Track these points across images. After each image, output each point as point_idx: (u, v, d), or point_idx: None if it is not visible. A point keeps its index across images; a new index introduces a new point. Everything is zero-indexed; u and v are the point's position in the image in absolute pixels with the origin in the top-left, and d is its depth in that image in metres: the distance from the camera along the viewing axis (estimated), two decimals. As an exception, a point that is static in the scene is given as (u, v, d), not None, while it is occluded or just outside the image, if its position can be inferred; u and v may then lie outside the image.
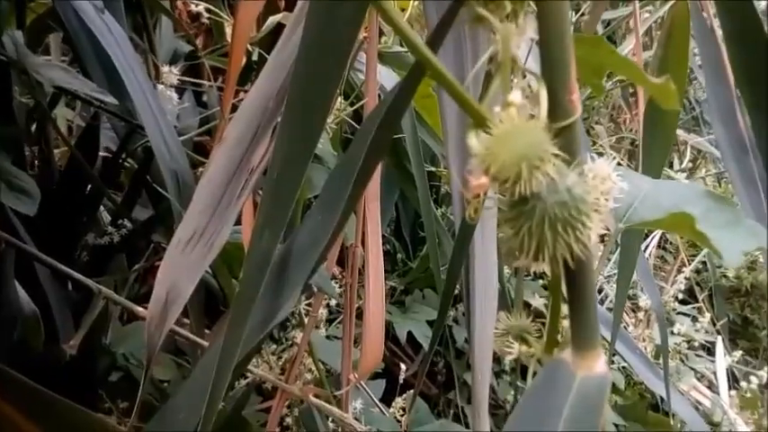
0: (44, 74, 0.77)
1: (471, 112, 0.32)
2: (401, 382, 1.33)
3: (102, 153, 1.07)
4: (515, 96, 0.33)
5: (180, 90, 1.40)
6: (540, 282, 1.72)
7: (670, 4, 0.89)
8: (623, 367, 1.56)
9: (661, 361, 1.50)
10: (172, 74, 0.93)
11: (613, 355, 1.54)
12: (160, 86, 0.93)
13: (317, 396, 0.80)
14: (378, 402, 0.83)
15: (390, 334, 1.43)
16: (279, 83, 0.52)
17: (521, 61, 0.35)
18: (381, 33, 0.82)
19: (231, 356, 0.47)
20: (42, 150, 0.92)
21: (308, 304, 0.79)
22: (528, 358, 0.46)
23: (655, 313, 1.50)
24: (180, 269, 0.53)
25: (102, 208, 1.08)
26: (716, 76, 0.90)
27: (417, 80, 0.37)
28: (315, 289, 0.89)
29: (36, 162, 0.99)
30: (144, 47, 1.42)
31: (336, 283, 0.95)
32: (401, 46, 0.93)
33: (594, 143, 1.96)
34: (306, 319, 0.87)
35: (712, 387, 1.72)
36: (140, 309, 0.71)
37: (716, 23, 0.87)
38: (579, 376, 0.38)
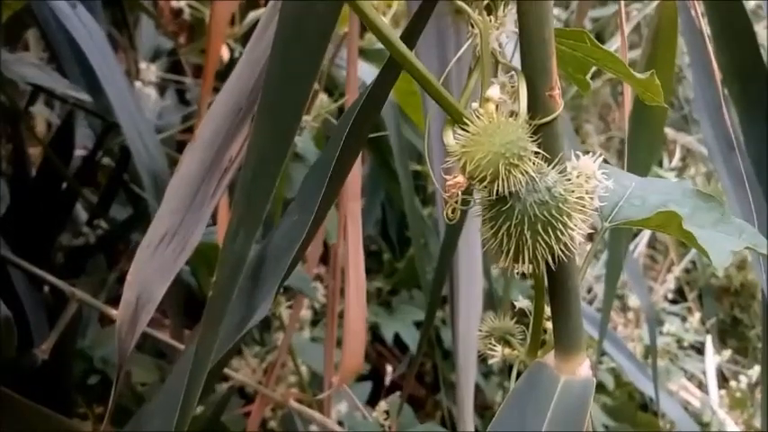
0: (16, 71, 0.74)
1: (448, 108, 0.31)
2: (387, 384, 1.32)
3: (80, 151, 1.04)
4: (493, 92, 0.31)
5: (162, 87, 1.38)
6: (530, 282, 1.71)
7: (658, 1, 0.88)
8: (612, 368, 1.55)
9: (650, 361, 1.50)
10: (150, 71, 0.91)
11: (602, 355, 1.53)
12: (138, 84, 0.91)
13: (299, 400, 0.78)
14: (361, 406, 0.82)
15: (377, 335, 1.41)
16: (252, 80, 0.50)
17: (501, 55, 0.34)
18: (364, 29, 0.80)
19: (204, 361, 0.45)
20: (16, 149, 0.89)
21: (290, 306, 0.77)
22: (514, 360, 0.45)
23: (644, 313, 1.50)
24: (151, 271, 0.51)
25: (80, 207, 1.06)
26: (703, 74, 0.89)
27: (393, 75, 0.36)
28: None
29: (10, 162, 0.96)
30: (124, 44, 1.40)
31: (320, 283, 0.93)
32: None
33: (584, 142, 1.95)
34: (296, 321, 0.85)
35: (702, 387, 1.72)
36: (115, 312, 0.69)
37: (704, 22, 0.86)
38: (563, 380, 0.37)
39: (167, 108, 1.27)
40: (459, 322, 0.72)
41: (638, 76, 0.36)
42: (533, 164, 0.30)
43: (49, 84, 0.78)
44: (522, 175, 0.29)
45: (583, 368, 0.37)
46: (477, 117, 0.30)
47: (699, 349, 1.78)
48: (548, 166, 0.32)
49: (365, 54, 0.90)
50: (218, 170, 0.51)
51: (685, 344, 1.71)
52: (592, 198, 0.42)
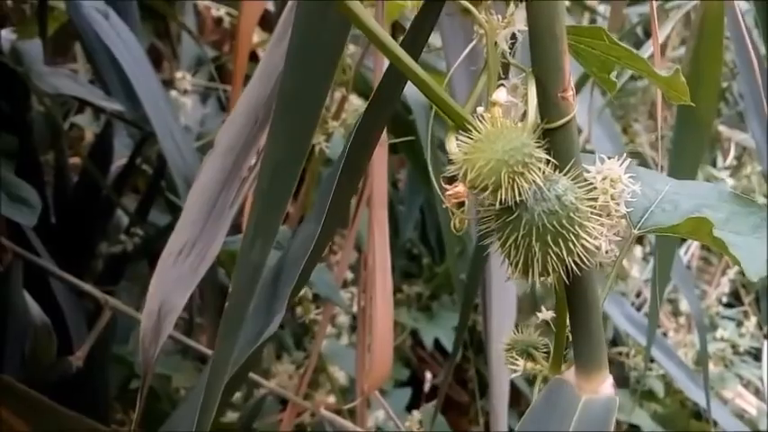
0: (50, 82, 0.76)
1: (449, 113, 0.29)
2: (427, 390, 1.30)
3: (122, 160, 1.06)
4: (500, 95, 0.30)
5: (205, 95, 1.40)
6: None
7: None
8: (663, 375, 1.49)
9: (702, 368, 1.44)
10: (185, 80, 0.92)
11: (651, 361, 1.48)
12: (174, 93, 0.92)
13: (331, 408, 0.77)
14: (393, 415, 0.80)
15: (418, 340, 1.40)
16: (269, 88, 0.49)
17: (512, 55, 0.32)
18: (393, 31, 0.79)
19: (222, 370, 0.45)
20: (57, 160, 0.91)
21: (318, 313, 0.76)
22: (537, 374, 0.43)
23: (695, 319, 1.44)
24: (172, 281, 0.51)
25: (122, 215, 1.07)
26: (751, 72, 0.85)
27: (397, 80, 0.34)
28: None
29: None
30: (168, 54, 1.42)
31: (355, 289, 0.92)
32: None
33: (632, 141, 1.89)
34: (326, 328, 0.85)
35: (759, 394, 1.65)
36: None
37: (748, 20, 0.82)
38: (584, 399, 0.35)
39: (208, 115, 1.28)
40: (492, 328, 0.70)
41: (662, 73, 0.34)
42: (541, 171, 0.28)
43: (83, 95, 0.79)
44: (528, 183, 0.27)
45: (605, 386, 0.35)
46: (482, 122, 0.29)
47: (756, 355, 1.71)
48: (559, 172, 0.30)
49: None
50: (237, 179, 0.51)
51: (741, 349, 1.64)
52: (618, 203, 0.40)
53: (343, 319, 1.13)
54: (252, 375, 0.81)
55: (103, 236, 0.96)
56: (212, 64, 1.37)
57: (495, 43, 0.31)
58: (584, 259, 0.30)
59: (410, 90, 0.42)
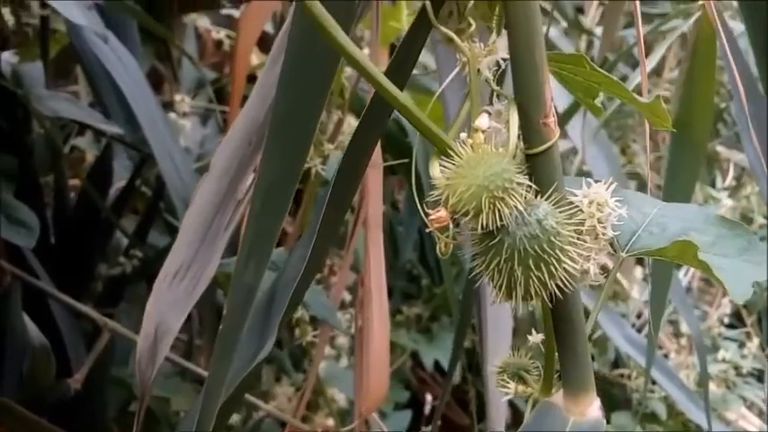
0: (49, 106, 0.77)
1: (432, 139, 0.30)
2: (427, 412, 1.30)
3: (122, 182, 1.07)
4: (482, 121, 0.30)
5: (205, 117, 1.41)
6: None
7: (693, 18, 0.85)
8: (665, 396, 1.49)
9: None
10: (184, 102, 0.93)
11: (653, 383, 1.48)
12: (172, 115, 0.93)
13: (327, 431, 0.77)
14: (390, 437, 0.80)
15: (419, 362, 1.40)
16: (263, 112, 0.50)
17: (492, 83, 0.33)
18: (391, 53, 0.80)
19: (216, 393, 0.45)
20: (57, 181, 0.92)
21: (315, 336, 0.77)
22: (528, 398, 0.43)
23: (694, 340, 1.44)
24: (168, 303, 0.52)
25: (122, 236, 1.08)
26: (746, 93, 0.86)
27: (384, 107, 0.35)
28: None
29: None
30: (169, 76, 1.43)
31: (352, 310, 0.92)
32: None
33: (630, 162, 1.90)
34: (323, 350, 0.85)
35: (762, 415, 1.64)
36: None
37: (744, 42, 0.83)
38: (571, 420, 0.35)
39: (208, 137, 1.29)
40: (487, 349, 0.70)
41: (642, 100, 0.35)
42: (522, 196, 0.29)
43: (82, 118, 0.80)
44: (509, 208, 0.28)
45: (592, 409, 0.35)
46: (464, 148, 0.29)
47: (759, 376, 1.70)
48: (541, 197, 0.30)
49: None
50: (232, 201, 0.52)
51: (743, 371, 1.63)
52: (605, 227, 0.40)
53: (342, 341, 1.13)
54: (250, 398, 0.81)
55: (103, 257, 0.97)
56: (213, 86, 1.39)
57: (479, 71, 0.32)
58: (567, 283, 0.30)
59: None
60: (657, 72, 1.98)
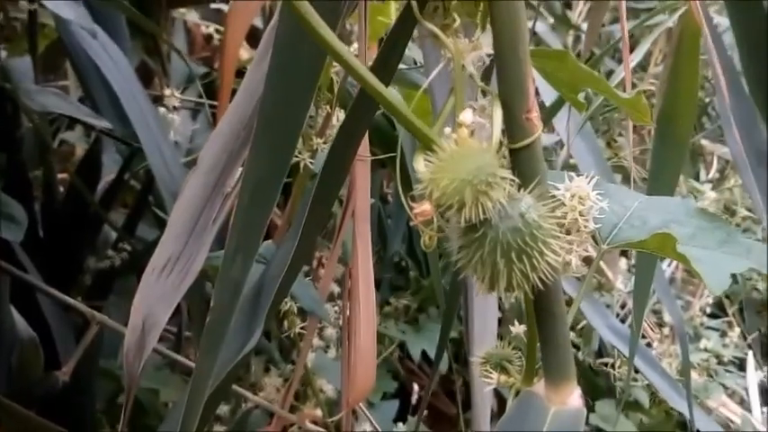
0: (37, 100, 0.77)
1: (416, 134, 0.30)
2: (414, 402, 1.31)
3: (112, 176, 1.07)
4: (466, 116, 0.31)
5: (196, 111, 1.41)
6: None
7: (679, 13, 0.86)
8: (648, 384, 1.51)
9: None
10: (173, 97, 0.93)
11: (636, 372, 1.50)
12: (162, 109, 0.93)
13: (315, 422, 0.78)
14: (378, 428, 0.81)
15: (407, 353, 1.41)
16: (252, 105, 0.51)
17: (477, 78, 0.33)
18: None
19: (203, 385, 0.46)
20: (45, 176, 0.92)
21: (303, 327, 0.77)
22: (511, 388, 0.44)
23: (676, 329, 1.46)
24: (156, 296, 0.52)
25: (112, 229, 1.08)
26: (729, 86, 0.87)
27: (369, 101, 0.36)
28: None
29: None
30: (159, 71, 1.43)
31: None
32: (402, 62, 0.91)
33: (617, 155, 1.91)
34: (311, 341, 0.85)
35: (744, 404, 1.66)
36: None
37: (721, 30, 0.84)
38: (552, 410, 0.36)
39: (198, 131, 1.29)
40: (473, 340, 0.71)
41: (623, 95, 0.36)
42: (505, 190, 0.29)
43: (70, 112, 0.80)
44: (492, 201, 0.29)
45: (573, 398, 0.36)
46: (449, 142, 0.30)
47: (741, 365, 1.73)
48: (524, 191, 0.31)
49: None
50: (220, 195, 0.52)
51: (725, 359, 1.66)
52: (587, 220, 0.41)
53: (331, 332, 1.14)
54: (238, 389, 0.82)
55: (92, 251, 0.97)
56: (203, 81, 1.38)
57: (463, 66, 0.32)
58: (549, 275, 0.31)
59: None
60: (643, 67, 1.99)
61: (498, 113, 0.31)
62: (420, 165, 0.30)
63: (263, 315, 0.43)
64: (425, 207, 0.29)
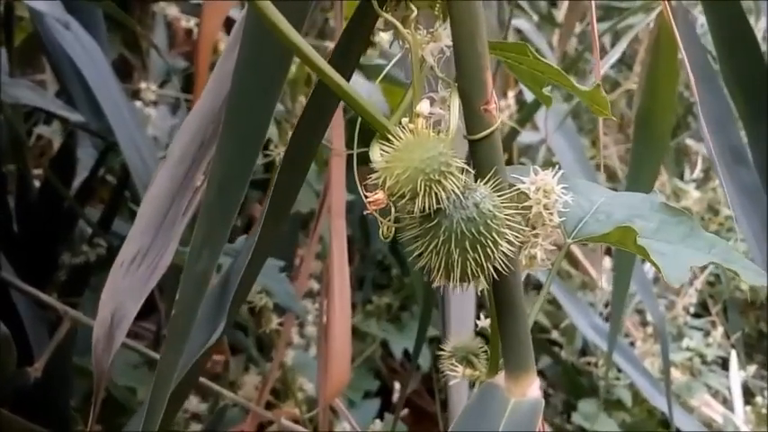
0: (9, 92, 0.76)
1: (372, 123, 0.30)
2: (395, 400, 1.31)
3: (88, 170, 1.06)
4: (423, 106, 0.31)
5: (176, 106, 1.40)
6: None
7: (656, 12, 0.87)
8: (631, 383, 1.51)
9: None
10: (149, 91, 0.92)
11: (619, 371, 1.50)
12: (138, 103, 0.92)
13: (292, 419, 0.78)
14: (355, 425, 0.81)
15: (389, 351, 1.40)
16: (221, 98, 0.50)
17: (437, 70, 0.33)
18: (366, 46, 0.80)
19: (168, 378, 0.45)
20: (19, 170, 0.91)
21: (281, 324, 0.77)
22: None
23: (656, 327, 1.46)
24: (124, 290, 0.52)
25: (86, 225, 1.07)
26: (705, 85, 0.87)
27: (329, 94, 0.35)
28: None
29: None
30: (138, 65, 1.42)
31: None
32: (382, 58, 0.91)
33: (603, 155, 1.92)
34: (287, 339, 0.85)
35: (727, 403, 1.67)
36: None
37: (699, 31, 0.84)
38: (512, 402, 0.36)
39: (177, 126, 1.28)
40: (450, 335, 0.71)
41: (582, 88, 0.36)
42: (458, 179, 0.29)
43: (43, 105, 0.79)
44: (445, 191, 0.29)
45: (532, 389, 0.36)
46: (405, 132, 0.30)
47: (724, 364, 1.73)
48: (477, 182, 0.31)
49: (364, 69, 0.90)
50: (189, 188, 0.52)
51: (709, 359, 1.66)
52: (551, 213, 0.41)
53: (312, 330, 1.14)
54: (214, 386, 0.82)
55: (67, 246, 0.96)
56: (183, 75, 1.38)
57: (423, 57, 0.32)
58: (506, 265, 0.31)
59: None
60: (629, 65, 2.00)
61: (455, 103, 0.31)
62: (376, 154, 0.30)
63: (226, 309, 0.43)
64: (378, 196, 0.28)
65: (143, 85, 0.97)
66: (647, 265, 1.75)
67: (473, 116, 0.32)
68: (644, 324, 1.73)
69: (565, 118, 0.97)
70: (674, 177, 1.97)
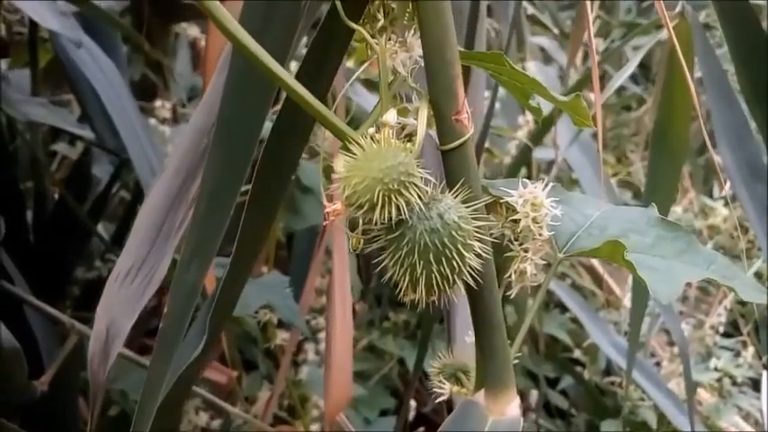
0: (20, 110, 0.77)
1: (334, 132, 0.30)
2: (411, 419, 1.29)
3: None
4: (390, 116, 0.30)
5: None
6: (568, 315, 1.66)
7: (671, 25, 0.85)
8: (656, 405, 1.47)
9: (695, 398, 1.42)
10: (164, 109, 0.94)
11: (643, 391, 1.46)
12: (152, 120, 0.94)
13: (297, 435, 0.77)
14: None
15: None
16: (216, 112, 0.50)
17: (410, 80, 0.33)
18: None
19: (156, 390, 0.45)
20: (36, 187, 0.93)
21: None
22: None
23: (678, 347, 1.43)
24: (119, 304, 0.52)
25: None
26: (721, 98, 0.86)
27: (294, 108, 0.35)
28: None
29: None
30: (158, 84, 1.45)
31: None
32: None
33: (627, 172, 1.89)
34: (291, 354, 0.85)
35: (758, 425, 1.62)
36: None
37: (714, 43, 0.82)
38: (490, 420, 0.35)
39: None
40: (455, 350, 0.70)
41: (562, 99, 0.35)
42: (421, 190, 0.28)
43: (55, 122, 0.80)
44: (407, 202, 0.28)
45: (511, 407, 0.35)
46: (369, 141, 0.29)
47: (756, 385, 1.68)
48: (444, 193, 0.30)
49: (371, 85, 0.90)
50: (184, 202, 0.52)
51: (739, 379, 1.61)
52: (541, 227, 0.40)
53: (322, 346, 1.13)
54: (220, 403, 0.81)
55: (81, 261, 0.97)
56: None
57: (394, 68, 0.32)
58: (476, 279, 0.30)
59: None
60: (652, 79, 1.97)
61: (424, 113, 0.30)
62: (339, 164, 0.29)
63: (206, 321, 0.43)
64: (337, 206, 0.28)
65: (158, 102, 0.98)
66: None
67: (444, 126, 0.31)
68: (671, 344, 1.69)
69: (578, 134, 0.96)
70: (703, 195, 1.93)
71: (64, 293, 0.94)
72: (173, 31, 1.41)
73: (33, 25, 1.03)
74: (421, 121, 0.30)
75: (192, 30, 1.35)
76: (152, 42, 1.22)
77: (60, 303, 0.89)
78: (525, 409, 1.54)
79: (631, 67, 0.88)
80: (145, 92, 1.35)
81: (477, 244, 0.30)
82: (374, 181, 0.27)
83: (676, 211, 1.65)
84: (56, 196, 1.03)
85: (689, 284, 1.84)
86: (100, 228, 1.07)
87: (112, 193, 1.02)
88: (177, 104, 1.19)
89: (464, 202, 0.31)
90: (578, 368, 1.59)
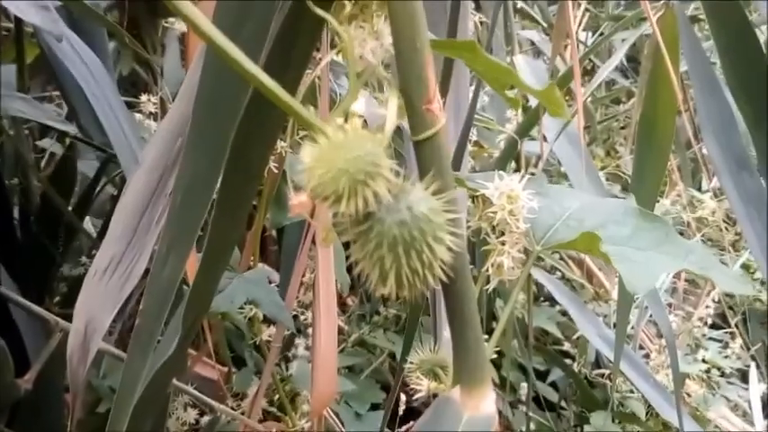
0: (4, 105, 0.77)
1: (300, 121, 0.29)
2: (401, 413, 1.29)
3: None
4: (358, 106, 0.30)
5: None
6: (558, 308, 1.66)
7: (654, 18, 0.85)
8: (644, 396, 1.48)
9: (684, 389, 1.42)
10: (149, 103, 0.93)
11: (632, 383, 1.46)
12: (138, 115, 0.93)
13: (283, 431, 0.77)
14: (346, 436, 0.79)
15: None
16: (192, 104, 0.50)
17: (381, 69, 0.32)
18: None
19: (131, 387, 0.45)
20: (21, 183, 0.92)
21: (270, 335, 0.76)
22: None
23: (665, 339, 1.43)
24: (98, 299, 0.51)
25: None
26: (707, 89, 0.85)
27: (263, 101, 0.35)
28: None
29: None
30: (147, 79, 1.44)
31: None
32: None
33: (617, 164, 1.89)
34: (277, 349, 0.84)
35: (747, 416, 1.63)
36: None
37: (701, 36, 0.82)
38: (466, 417, 0.34)
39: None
40: (441, 343, 0.70)
41: (536, 88, 0.34)
42: (389, 181, 0.28)
43: (35, 116, 0.80)
44: (373, 193, 0.28)
45: (486, 403, 0.34)
46: (336, 132, 0.29)
47: (744, 377, 1.69)
48: (413, 185, 0.30)
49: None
50: (162, 195, 0.51)
51: (728, 371, 1.62)
52: (517, 219, 0.40)
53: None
54: (205, 398, 0.81)
55: (68, 257, 0.97)
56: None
57: (361, 55, 0.31)
58: (447, 273, 0.30)
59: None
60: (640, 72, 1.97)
61: (393, 102, 0.30)
62: (306, 154, 0.29)
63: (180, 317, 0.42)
64: (302, 198, 0.27)
65: (143, 97, 0.98)
66: (664, 275, 1.72)
67: (415, 116, 0.31)
68: (660, 336, 1.69)
69: (564, 127, 0.95)
70: (691, 188, 1.93)
71: (51, 290, 0.93)
72: (161, 25, 1.40)
73: (19, 20, 1.02)
74: (390, 110, 0.30)
75: (180, 24, 1.34)
76: (141, 38, 1.22)
77: (47, 300, 0.88)
78: (515, 402, 1.54)
79: (616, 59, 0.88)
80: (135, 87, 1.34)
81: (448, 237, 0.29)
82: (340, 172, 0.27)
83: (664, 203, 1.65)
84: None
85: (677, 276, 1.85)
86: (86, 224, 1.06)
87: (99, 188, 1.01)
88: (165, 99, 1.18)
89: (435, 193, 0.30)
90: (568, 361, 1.59)
